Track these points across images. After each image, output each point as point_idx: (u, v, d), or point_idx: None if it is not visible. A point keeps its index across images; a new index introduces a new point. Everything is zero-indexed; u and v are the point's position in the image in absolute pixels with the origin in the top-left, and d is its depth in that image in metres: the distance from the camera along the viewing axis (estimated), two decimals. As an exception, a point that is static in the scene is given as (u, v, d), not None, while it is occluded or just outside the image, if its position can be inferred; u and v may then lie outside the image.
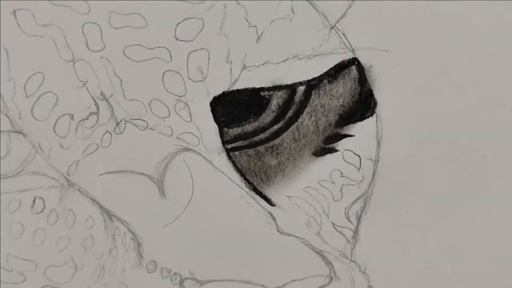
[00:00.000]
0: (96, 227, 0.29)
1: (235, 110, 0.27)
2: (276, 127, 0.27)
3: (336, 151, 0.28)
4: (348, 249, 0.29)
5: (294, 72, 0.26)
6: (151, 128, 0.27)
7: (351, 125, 0.28)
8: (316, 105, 0.27)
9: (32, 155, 0.27)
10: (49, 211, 0.28)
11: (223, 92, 0.26)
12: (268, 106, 0.27)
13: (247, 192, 0.29)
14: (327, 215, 0.29)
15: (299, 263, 0.30)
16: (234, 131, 0.27)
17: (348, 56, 0.25)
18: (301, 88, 0.26)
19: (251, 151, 0.28)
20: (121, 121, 0.27)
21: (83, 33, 0.25)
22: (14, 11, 0.24)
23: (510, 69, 0.27)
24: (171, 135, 0.27)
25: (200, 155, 0.28)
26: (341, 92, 0.26)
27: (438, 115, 0.27)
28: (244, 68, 0.26)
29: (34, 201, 0.28)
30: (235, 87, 0.26)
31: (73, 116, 0.26)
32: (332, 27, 0.25)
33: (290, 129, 0.27)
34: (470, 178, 0.28)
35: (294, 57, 0.26)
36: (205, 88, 0.26)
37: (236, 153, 0.28)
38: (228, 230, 0.30)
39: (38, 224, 0.28)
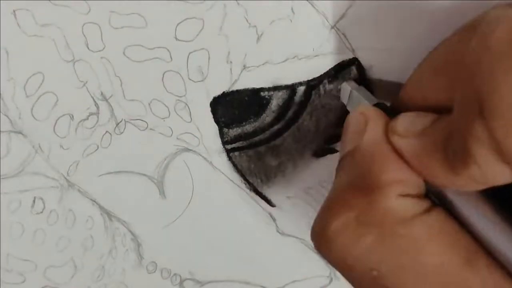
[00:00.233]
0: (96, 227, 0.29)
1: (235, 110, 0.27)
2: (276, 127, 0.27)
3: (336, 151, 0.28)
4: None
5: (294, 72, 0.26)
6: (151, 129, 0.27)
7: (351, 125, 0.27)
8: (316, 105, 0.27)
9: (32, 155, 0.27)
10: (49, 212, 0.28)
11: (223, 92, 0.26)
12: (268, 106, 0.27)
13: (247, 193, 0.29)
14: (327, 216, 0.29)
15: (299, 263, 0.30)
16: (234, 131, 0.27)
17: (348, 56, 0.25)
18: (301, 88, 0.26)
19: (251, 152, 0.28)
20: (121, 121, 0.27)
21: (83, 33, 0.25)
22: (14, 11, 0.24)
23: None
24: (171, 135, 0.27)
25: (200, 155, 0.28)
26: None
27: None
28: (244, 68, 0.26)
29: (34, 201, 0.28)
30: (235, 87, 0.26)
31: (73, 116, 0.26)
32: (332, 27, 0.25)
33: (290, 129, 0.27)
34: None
35: (294, 57, 0.26)
36: (205, 88, 0.26)
37: (236, 153, 0.28)
38: (228, 230, 0.29)
39: (38, 224, 0.28)
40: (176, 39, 0.25)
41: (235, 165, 0.28)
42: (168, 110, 0.27)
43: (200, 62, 0.26)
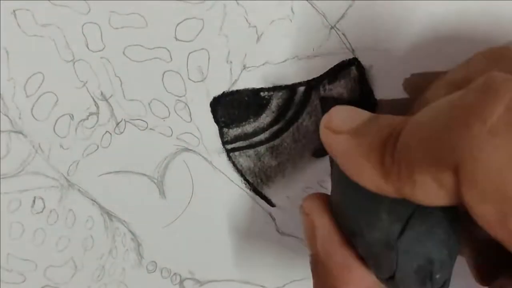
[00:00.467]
0: (96, 227, 0.29)
1: (235, 110, 0.27)
2: (276, 127, 0.27)
3: (336, 151, 0.28)
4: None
5: (294, 72, 0.26)
6: (151, 129, 0.27)
7: (351, 125, 0.27)
8: (316, 105, 0.27)
9: (32, 155, 0.27)
10: (49, 211, 0.28)
11: (223, 92, 0.26)
12: (268, 107, 0.27)
13: (247, 193, 0.29)
14: (327, 216, 0.29)
15: (299, 263, 0.30)
16: (234, 131, 0.27)
17: (348, 56, 0.25)
18: (301, 88, 0.26)
19: (251, 152, 0.28)
20: (121, 121, 0.27)
21: (83, 33, 0.25)
22: (14, 11, 0.24)
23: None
24: (171, 135, 0.27)
25: (200, 155, 0.28)
26: (341, 92, 0.26)
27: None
28: (244, 68, 0.26)
29: (34, 201, 0.28)
30: (235, 87, 0.26)
31: (73, 116, 0.26)
32: (332, 27, 0.25)
33: (290, 129, 0.27)
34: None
35: (294, 57, 0.26)
36: (205, 88, 0.26)
37: (236, 153, 0.28)
38: (228, 230, 0.29)
39: (38, 224, 0.28)
40: (176, 39, 0.25)
41: (235, 165, 0.28)
42: (168, 110, 0.27)
43: (200, 62, 0.26)
